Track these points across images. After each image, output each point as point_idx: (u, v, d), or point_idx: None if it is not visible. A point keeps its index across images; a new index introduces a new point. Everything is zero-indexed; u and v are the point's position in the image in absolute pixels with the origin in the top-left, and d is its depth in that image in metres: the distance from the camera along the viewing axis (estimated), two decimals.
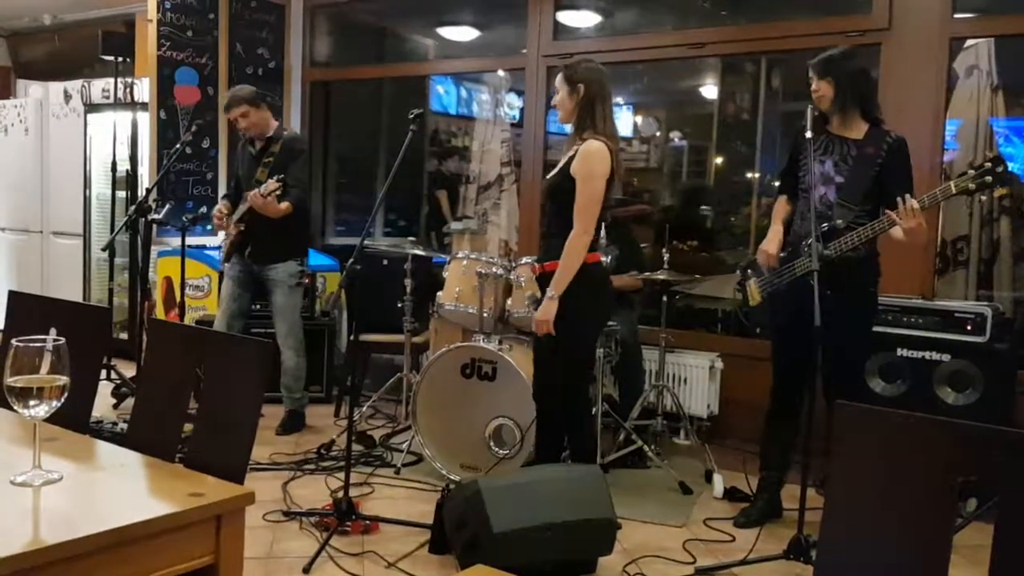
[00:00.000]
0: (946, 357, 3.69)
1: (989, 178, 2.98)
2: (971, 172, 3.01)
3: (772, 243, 3.45)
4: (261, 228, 4.46)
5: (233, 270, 4.67)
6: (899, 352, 3.78)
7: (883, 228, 3.13)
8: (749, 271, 3.60)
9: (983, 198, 4.53)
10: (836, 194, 3.29)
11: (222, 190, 5.76)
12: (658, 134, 6.20)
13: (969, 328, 3.66)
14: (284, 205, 4.34)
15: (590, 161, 3.15)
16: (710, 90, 5.99)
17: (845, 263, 3.20)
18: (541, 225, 3.35)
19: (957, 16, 4.17)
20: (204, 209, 5.74)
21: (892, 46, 4.25)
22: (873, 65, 4.27)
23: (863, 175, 3.26)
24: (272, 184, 4.25)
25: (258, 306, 4.86)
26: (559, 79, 3.32)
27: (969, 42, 4.49)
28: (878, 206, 3.25)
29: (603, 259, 3.43)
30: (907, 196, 3.05)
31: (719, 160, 5.99)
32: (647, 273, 4.32)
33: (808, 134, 3.21)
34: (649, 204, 5.87)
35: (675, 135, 6.18)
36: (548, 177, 3.43)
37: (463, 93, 6.87)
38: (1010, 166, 3.49)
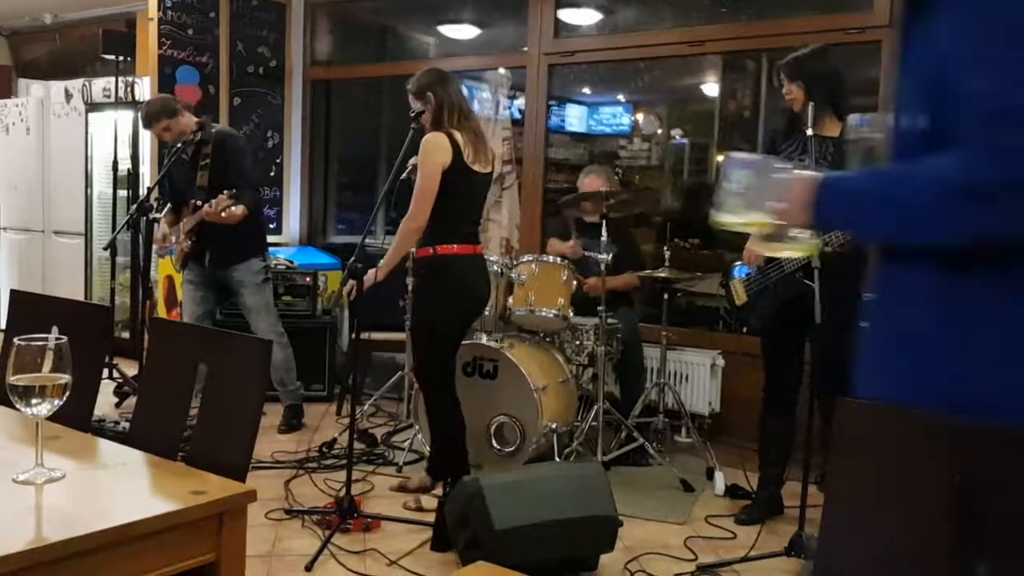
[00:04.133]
0: None
1: None
2: None
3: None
4: (215, 234, 4.35)
5: (191, 274, 4.59)
6: None
7: None
8: (732, 271, 3.60)
9: None
10: None
11: None
12: (659, 132, 6.18)
13: None
14: (239, 211, 4.22)
15: (423, 150, 3.33)
16: (711, 87, 5.98)
17: (835, 259, 3.20)
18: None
19: None
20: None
21: (894, 43, 4.24)
22: (874, 62, 4.27)
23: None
24: (224, 200, 4.15)
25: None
26: (411, 99, 3.43)
27: None
28: None
29: (483, 253, 3.52)
30: None
31: (721, 158, 5.98)
32: (647, 271, 4.33)
33: (809, 131, 3.21)
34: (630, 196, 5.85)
35: (676, 133, 6.17)
36: None
37: (464, 91, 6.86)
38: None
